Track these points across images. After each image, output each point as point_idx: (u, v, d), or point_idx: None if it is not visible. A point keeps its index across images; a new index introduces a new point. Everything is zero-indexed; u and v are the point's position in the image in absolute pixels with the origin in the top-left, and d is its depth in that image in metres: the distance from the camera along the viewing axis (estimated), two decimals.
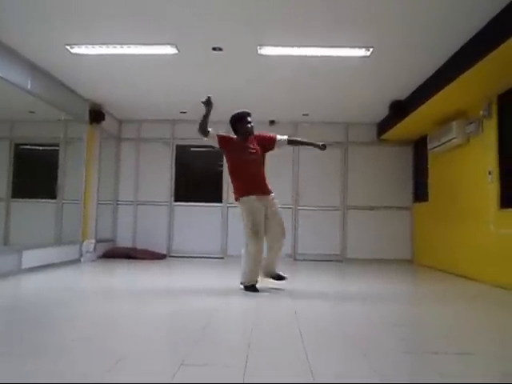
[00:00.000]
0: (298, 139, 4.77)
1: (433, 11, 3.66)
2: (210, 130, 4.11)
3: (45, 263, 5.37)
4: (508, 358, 2.29)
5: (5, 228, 5.95)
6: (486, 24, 3.81)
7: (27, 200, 6.19)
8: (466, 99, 5.14)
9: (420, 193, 7.23)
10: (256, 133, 4.29)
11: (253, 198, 3.99)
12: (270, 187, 4.15)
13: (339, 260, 7.43)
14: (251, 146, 4.17)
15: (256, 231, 3.91)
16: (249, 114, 4.24)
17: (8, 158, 6.10)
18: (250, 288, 4.03)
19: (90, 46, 4.55)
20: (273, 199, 4.12)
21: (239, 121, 4.22)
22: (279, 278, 4.22)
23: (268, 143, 4.25)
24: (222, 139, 4.18)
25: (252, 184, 4.05)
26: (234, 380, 1.78)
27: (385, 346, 2.41)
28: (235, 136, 4.25)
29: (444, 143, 5.86)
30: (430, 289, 4.90)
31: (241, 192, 4.08)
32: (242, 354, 2.10)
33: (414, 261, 7.30)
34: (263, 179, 4.14)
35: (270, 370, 1.96)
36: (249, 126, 4.20)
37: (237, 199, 4.15)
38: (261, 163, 4.20)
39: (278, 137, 4.30)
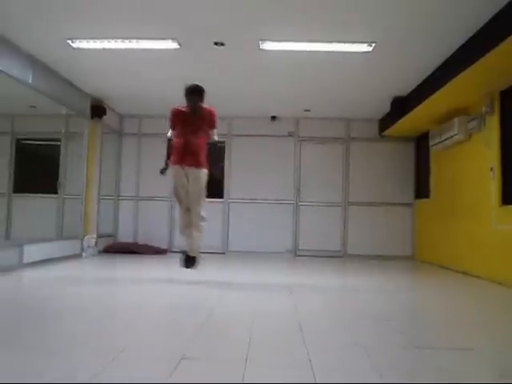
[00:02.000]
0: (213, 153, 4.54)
1: (436, 7, 3.64)
2: (169, 135, 4.41)
3: (46, 258, 5.38)
4: (507, 354, 2.29)
5: (6, 223, 5.97)
6: (489, 20, 3.79)
7: (29, 195, 6.20)
8: (468, 95, 5.12)
9: (421, 189, 7.22)
10: (209, 109, 4.36)
11: (177, 167, 4.20)
12: (202, 160, 4.22)
13: (340, 256, 7.43)
14: (194, 119, 4.25)
15: (176, 195, 4.31)
16: (194, 91, 4.26)
17: (9, 152, 6.11)
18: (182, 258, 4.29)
19: (91, 41, 4.54)
20: (199, 172, 4.20)
21: (185, 95, 4.29)
22: (188, 259, 4.26)
23: (209, 124, 4.31)
24: (171, 122, 4.38)
25: (180, 154, 4.19)
26: (235, 374, 1.78)
27: (384, 340, 2.41)
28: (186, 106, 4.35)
29: (446, 140, 5.85)
30: (430, 285, 4.90)
31: (172, 160, 4.26)
32: (242, 349, 2.11)
33: (414, 257, 7.30)
34: (198, 149, 4.21)
35: (270, 364, 1.96)
36: (192, 103, 4.26)
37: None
38: (202, 134, 4.26)
39: (215, 132, 4.36)
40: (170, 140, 4.40)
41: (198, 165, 4.19)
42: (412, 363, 2.12)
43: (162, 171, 4.39)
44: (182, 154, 4.19)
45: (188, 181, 4.19)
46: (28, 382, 1.63)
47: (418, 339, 2.52)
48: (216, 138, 4.40)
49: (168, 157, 4.35)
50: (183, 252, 4.36)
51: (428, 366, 2.01)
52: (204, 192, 4.27)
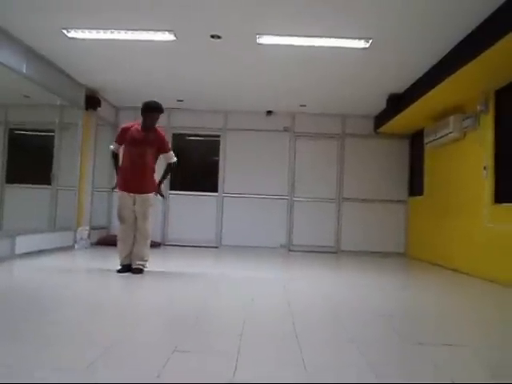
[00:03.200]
0: (167, 173, 4.51)
1: (432, 4, 3.64)
2: (113, 148, 4.37)
3: (38, 249, 5.35)
4: (499, 349, 2.32)
5: None
6: (485, 19, 3.80)
7: (21, 185, 6.14)
8: (463, 94, 5.14)
9: (415, 187, 7.26)
10: (161, 131, 4.38)
11: (124, 193, 4.19)
12: (148, 186, 4.21)
13: (333, 252, 7.46)
14: (144, 140, 4.20)
15: (119, 215, 4.25)
16: (154, 109, 4.24)
17: (2, 142, 6.04)
18: (119, 269, 4.18)
19: (86, 31, 4.50)
20: (146, 196, 4.20)
21: (143, 111, 4.26)
22: (128, 268, 4.18)
23: (158, 149, 4.30)
24: (118, 137, 4.31)
25: (127, 179, 4.18)
26: (227, 367, 1.79)
27: (378, 337, 2.43)
28: (139, 124, 4.30)
29: (440, 137, 5.87)
30: (422, 282, 4.94)
31: (119, 184, 4.26)
32: (234, 342, 2.12)
33: (407, 254, 7.35)
34: (144, 175, 4.19)
35: (262, 359, 1.97)
36: (149, 120, 4.23)
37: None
38: (149, 158, 4.22)
39: (172, 155, 4.39)
40: (114, 153, 4.35)
41: (143, 191, 4.18)
42: (406, 360, 2.13)
43: (114, 189, 4.46)
44: (129, 179, 4.17)
45: (134, 203, 4.18)
46: (27, 382, 1.62)
47: (412, 336, 2.53)
48: (174, 159, 4.40)
49: (117, 172, 4.35)
50: (125, 266, 4.20)
51: (423, 362, 2.02)
52: (151, 210, 4.27)
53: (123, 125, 4.40)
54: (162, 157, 4.41)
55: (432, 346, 2.27)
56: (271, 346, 2.19)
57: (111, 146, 4.38)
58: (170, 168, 4.47)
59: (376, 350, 2.16)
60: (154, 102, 4.29)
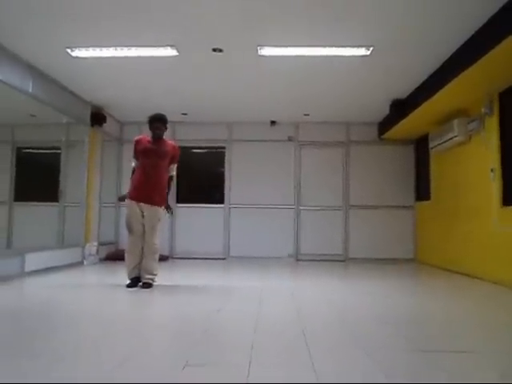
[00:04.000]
0: (169, 187, 4.47)
1: (433, 9, 3.66)
2: (134, 165, 4.36)
3: (48, 266, 5.38)
4: (511, 356, 2.28)
5: (7, 231, 5.96)
6: (487, 21, 3.80)
7: (30, 203, 6.20)
8: (467, 97, 5.13)
9: (422, 191, 7.22)
10: (173, 144, 4.43)
11: (133, 202, 4.20)
12: (159, 199, 4.21)
13: (342, 260, 7.42)
14: (156, 151, 4.24)
15: (127, 225, 4.25)
16: (158, 119, 4.29)
17: (10, 161, 6.11)
18: (128, 284, 4.16)
19: (90, 49, 4.57)
20: (155, 209, 4.20)
21: (149, 123, 4.33)
22: (136, 282, 4.17)
23: (171, 160, 4.34)
24: (134, 152, 4.33)
25: (137, 189, 4.20)
26: (239, 380, 1.78)
27: (388, 344, 2.40)
28: (148, 135, 4.37)
29: (446, 141, 5.86)
30: (432, 287, 4.89)
31: (129, 193, 4.27)
32: (245, 354, 2.10)
33: (416, 259, 7.29)
34: (155, 187, 4.20)
35: (274, 370, 1.95)
36: (156, 131, 4.29)
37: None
38: (162, 171, 4.26)
39: (174, 168, 4.42)
40: (135, 169, 4.36)
41: (154, 203, 4.19)
42: (416, 366, 2.10)
43: (120, 199, 4.46)
44: (140, 190, 4.19)
45: (143, 215, 4.20)
46: (29, 382, 1.63)
47: (422, 342, 2.50)
48: (173, 173, 4.43)
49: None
50: (134, 279, 4.21)
51: (434, 369, 2.00)
52: (159, 225, 4.28)
53: (135, 137, 4.43)
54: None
55: (442, 352, 2.24)
56: (282, 356, 2.18)
57: (132, 164, 4.37)
58: (170, 180, 4.46)
59: (386, 358, 2.13)
60: (158, 113, 4.35)
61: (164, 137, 4.38)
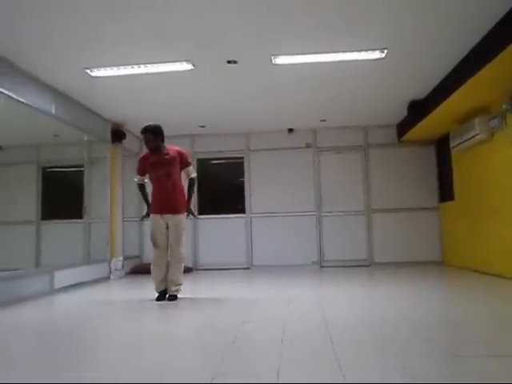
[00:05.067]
0: (191, 189, 4.49)
1: (447, 7, 3.61)
2: (145, 181, 4.45)
3: (76, 282, 5.49)
4: None
5: (36, 250, 6.11)
6: (500, 20, 3.74)
7: (56, 221, 6.35)
8: (486, 94, 5.03)
9: (446, 192, 7.09)
10: (176, 148, 4.42)
11: (157, 216, 4.27)
12: (179, 205, 4.26)
13: (367, 265, 7.33)
14: (163, 160, 4.26)
15: (152, 239, 4.30)
16: (146, 131, 4.29)
17: (36, 181, 6.29)
18: (157, 297, 4.23)
19: (108, 68, 4.69)
20: (179, 218, 4.26)
21: (142, 135, 4.36)
22: (164, 295, 4.23)
23: (182, 162, 4.38)
24: (138, 169, 4.41)
25: (158, 201, 4.25)
26: None
27: (419, 349, 2.36)
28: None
29: (467, 140, 5.75)
30: (463, 290, 4.77)
31: (151, 208, 4.35)
32: (273, 365, 2.10)
33: (444, 262, 7.13)
34: (172, 194, 4.24)
35: (303, 380, 1.94)
36: (149, 144, 4.30)
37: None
38: (175, 178, 4.28)
39: (191, 170, 4.46)
40: (140, 185, 4.44)
41: (175, 211, 4.24)
42: (448, 371, 2.06)
43: (143, 218, 4.53)
44: (160, 200, 4.24)
45: (167, 226, 4.25)
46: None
47: (454, 347, 2.45)
48: (194, 175, 4.46)
49: (146, 202, 4.48)
50: (162, 292, 4.27)
51: (464, 374, 1.95)
52: (184, 233, 4.32)
53: (140, 155, 4.50)
54: (182, 173, 4.42)
55: (475, 357, 2.19)
56: (310, 366, 2.16)
57: (135, 179, 4.47)
58: (192, 183, 4.47)
59: (419, 364, 2.09)
60: (148, 124, 4.32)
61: (167, 145, 4.38)
